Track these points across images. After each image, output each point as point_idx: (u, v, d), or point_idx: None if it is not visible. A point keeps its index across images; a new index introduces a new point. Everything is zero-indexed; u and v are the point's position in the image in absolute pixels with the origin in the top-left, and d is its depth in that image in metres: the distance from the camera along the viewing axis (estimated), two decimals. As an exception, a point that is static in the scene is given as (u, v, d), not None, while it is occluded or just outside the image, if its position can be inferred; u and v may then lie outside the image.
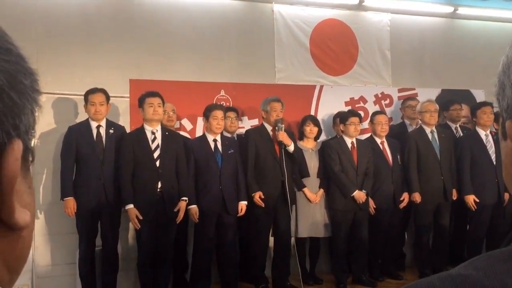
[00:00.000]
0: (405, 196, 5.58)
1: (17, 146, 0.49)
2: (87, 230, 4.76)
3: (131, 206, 4.63)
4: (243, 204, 5.02)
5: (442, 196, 5.57)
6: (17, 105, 0.48)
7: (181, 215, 4.76)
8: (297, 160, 5.25)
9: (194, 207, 4.87)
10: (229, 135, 5.42)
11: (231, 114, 5.50)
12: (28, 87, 0.50)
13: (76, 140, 4.77)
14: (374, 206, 5.49)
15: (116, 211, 4.81)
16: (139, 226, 4.62)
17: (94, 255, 4.84)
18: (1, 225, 0.49)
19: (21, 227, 0.50)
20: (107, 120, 4.91)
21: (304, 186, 5.36)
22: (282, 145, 5.10)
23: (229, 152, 5.01)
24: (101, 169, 4.73)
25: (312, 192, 5.38)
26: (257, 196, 5.04)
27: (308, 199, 5.37)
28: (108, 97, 4.89)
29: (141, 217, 4.62)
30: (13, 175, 0.48)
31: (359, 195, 5.31)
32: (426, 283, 0.56)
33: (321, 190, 5.41)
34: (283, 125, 5.12)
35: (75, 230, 4.81)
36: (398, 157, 5.65)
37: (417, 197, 5.53)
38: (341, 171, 5.35)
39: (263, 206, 5.04)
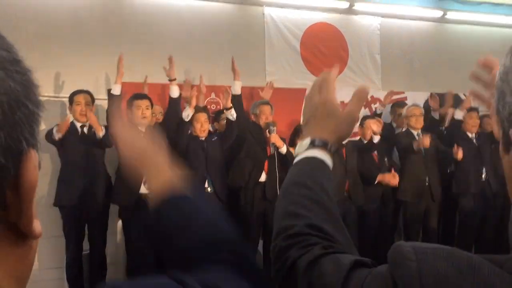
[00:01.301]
0: (384, 177, 5.54)
1: (34, 154, 0.49)
2: (74, 234, 4.72)
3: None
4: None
5: (429, 197, 5.61)
6: (32, 114, 0.49)
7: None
8: (289, 161, 5.25)
9: None
10: None
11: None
12: (37, 98, 0.51)
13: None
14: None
15: (103, 214, 4.79)
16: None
17: (82, 259, 4.81)
18: (17, 234, 0.49)
19: (36, 236, 0.51)
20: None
21: None
22: (274, 147, 5.12)
23: (213, 139, 5.02)
24: (86, 169, 4.70)
25: None
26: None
27: None
28: (93, 99, 4.89)
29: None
30: (33, 183, 0.49)
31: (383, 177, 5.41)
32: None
33: None
34: (275, 128, 5.13)
35: (62, 234, 4.77)
36: (386, 159, 5.68)
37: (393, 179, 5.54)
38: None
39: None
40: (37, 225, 0.50)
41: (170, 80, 5.00)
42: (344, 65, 6.56)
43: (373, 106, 6.56)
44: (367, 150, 5.54)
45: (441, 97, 6.42)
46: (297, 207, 0.85)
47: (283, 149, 5.14)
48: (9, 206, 0.48)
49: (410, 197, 5.60)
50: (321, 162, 0.93)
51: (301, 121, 1.06)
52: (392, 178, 5.46)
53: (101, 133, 4.72)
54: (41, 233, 0.51)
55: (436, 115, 5.99)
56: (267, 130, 5.15)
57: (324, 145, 0.94)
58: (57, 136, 4.59)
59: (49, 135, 4.63)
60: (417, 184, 5.59)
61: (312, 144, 0.94)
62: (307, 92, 1.13)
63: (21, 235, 0.50)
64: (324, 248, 0.79)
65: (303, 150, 0.95)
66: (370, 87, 0.89)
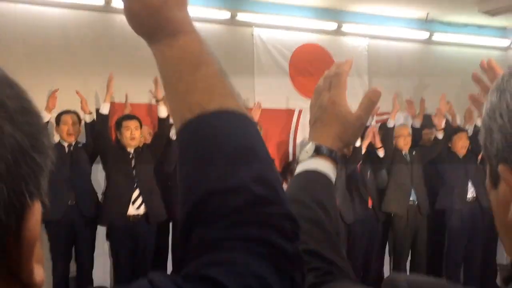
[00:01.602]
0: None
1: (38, 207, 0.49)
2: (61, 253, 4.65)
3: None
4: None
5: (416, 210, 5.66)
6: (39, 165, 0.48)
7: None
8: None
9: None
10: None
11: None
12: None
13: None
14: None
15: (91, 234, 4.75)
16: None
17: (69, 281, 4.74)
18: (18, 285, 0.48)
19: (38, 285, 0.49)
20: (76, 142, 4.87)
21: None
22: None
23: None
24: (73, 188, 4.66)
25: None
26: None
27: None
28: (79, 119, 4.89)
29: None
30: (34, 238, 0.48)
31: None
32: None
33: None
34: None
35: (48, 255, 4.69)
36: (369, 172, 5.71)
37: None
38: None
39: None
40: (38, 274, 0.49)
41: (157, 101, 5.00)
42: (332, 86, 6.61)
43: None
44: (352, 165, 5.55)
45: (429, 118, 6.48)
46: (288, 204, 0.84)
47: None
48: (8, 257, 0.47)
49: (396, 209, 5.63)
50: (323, 176, 0.90)
51: (309, 120, 1.00)
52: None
53: (88, 116, 4.85)
54: (43, 281, 0.50)
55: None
56: None
57: (329, 154, 0.91)
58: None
59: None
60: (403, 198, 5.62)
61: (317, 152, 0.91)
62: (305, 109, 1.10)
63: (23, 285, 0.49)
64: (317, 277, 0.77)
65: (307, 158, 0.92)
66: (380, 91, 0.87)
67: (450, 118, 6.49)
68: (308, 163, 0.91)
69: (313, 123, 0.97)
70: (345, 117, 0.95)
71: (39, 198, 0.49)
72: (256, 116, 5.64)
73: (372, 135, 5.54)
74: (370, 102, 0.97)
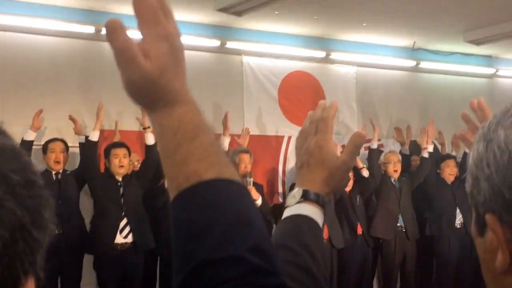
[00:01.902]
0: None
1: (31, 283, 0.48)
2: (46, 284, 4.54)
3: None
4: None
5: (404, 236, 5.65)
6: (37, 241, 0.48)
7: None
8: (264, 213, 5.23)
9: None
10: None
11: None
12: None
13: None
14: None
15: (77, 264, 4.67)
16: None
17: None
18: None
19: None
20: (64, 170, 4.83)
21: None
22: None
23: None
24: (60, 216, 4.60)
25: None
26: None
27: None
28: (67, 147, 4.87)
29: None
30: None
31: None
32: None
33: None
34: (252, 179, 5.10)
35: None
36: (358, 198, 5.72)
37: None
38: None
39: None
40: None
41: (144, 128, 5.00)
42: (321, 113, 6.66)
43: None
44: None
45: (416, 144, 6.53)
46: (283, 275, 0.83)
47: (259, 202, 5.11)
48: None
49: (383, 235, 5.62)
50: (311, 221, 0.90)
51: (295, 163, 1.00)
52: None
53: (82, 137, 4.88)
54: None
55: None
56: (244, 181, 5.10)
57: (316, 199, 0.91)
58: None
59: None
60: (391, 222, 5.63)
61: (304, 197, 0.92)
62: (293, 138, 1.10)
63: None
64: None
65: (294, 203, 0.92)
66: (366, 134, 0.86)
67: (439, 146, 6.56)
68: (295, 208, 0.92)
69: (299, 166, 0.98)
70: (331, 162, 0.95)
71: (33, 274, 0.48)
72: (245, 142, 5.65)
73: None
74: (355, 146, 0.97)
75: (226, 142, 5.21)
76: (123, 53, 0.69)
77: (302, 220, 0.90)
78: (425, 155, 5.77)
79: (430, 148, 5.83)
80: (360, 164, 5.72)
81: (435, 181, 5.84)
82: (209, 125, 0.71)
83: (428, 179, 5.84)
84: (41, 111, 4.86)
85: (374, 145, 5.91)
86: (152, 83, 0.69)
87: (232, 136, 5.91)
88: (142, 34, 0.68)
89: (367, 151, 6.03)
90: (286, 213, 0.93)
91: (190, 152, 0.66)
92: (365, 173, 5.72)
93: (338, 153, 0.97)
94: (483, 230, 0.60)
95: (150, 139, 4.91)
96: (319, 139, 0.97)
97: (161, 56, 0.69)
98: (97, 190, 4.77)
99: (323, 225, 0.93)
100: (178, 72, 0.73)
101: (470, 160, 0.62)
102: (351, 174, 5.71)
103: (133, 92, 0.73)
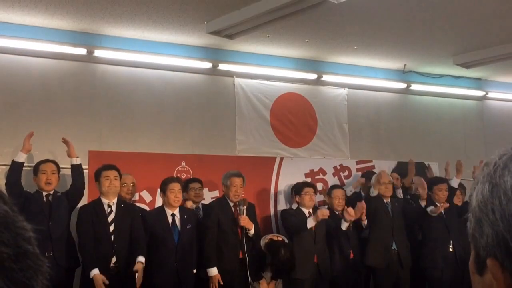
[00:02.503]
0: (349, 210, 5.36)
1: None
2: None
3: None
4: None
5: (397, 264, 5.59)
6: None
7: (139, 276, 4.49)
8: (255, 242, 5.19)
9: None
10: (194, 206, 5.34)
11: (195, 185, 5.46)
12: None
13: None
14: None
15: (68, 284, 4.62)
16: None
17: None
18: None
19: None
20: (55, 191, 4.80)
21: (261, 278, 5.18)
22: (244, 229, 5.02)
23: (188, 227, 4.89)
24: (50, 238, 4.55)
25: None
26: (215, 279, 4.86)
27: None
28: (59, 168, 4.84)
29: (107, 282, 4.38)
30: None
31: (321, 212, 5.16)
32: None
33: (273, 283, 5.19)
34: (245, 207, 5.01)
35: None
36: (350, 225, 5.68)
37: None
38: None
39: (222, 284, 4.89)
40: None
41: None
42: (312, 134, 6.68)
43: (342, 175, 6.63)
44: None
45: (404, 165, 6.55)
46: None
47: (251, 232, 5.05)
48: None
49: (378, 263, 5.57)
50: None
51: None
52: (323, 211, 5.22)
53: (75, 159, 4.84)
54: None
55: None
56: (237, 209, 5.04)
57: None
58: None
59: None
60: (384, 250, 5.58)
61: None
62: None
63: None
64: None
65: None
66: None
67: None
68: None
69: None
70: None
71: None
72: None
73: (361, 210, 5.39)
74: None
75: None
76: None
77: None
78: (423, 204, 5.66)
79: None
80: (364, 218, 5.54)
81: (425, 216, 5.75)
82: None
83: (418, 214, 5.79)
84: (32, 133, 4.83)
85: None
86: None
87: (224, 157, 5.89)
88: None
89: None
90: None
91: None
92: (364, 223, 5.59)
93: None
94: (483, 271, 0.60)
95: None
96: None
97: None
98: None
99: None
100: None
101: (474, 201, 0.61)
102: (341, 194, 5.70)
103: None
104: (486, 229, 0.58)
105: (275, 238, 5.39)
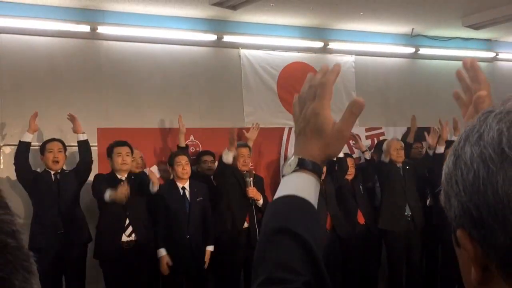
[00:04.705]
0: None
1: None
2: (51, 284, 4.53)
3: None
4: (208, 251, 4.92)
5: (411, 226, 5.62)
6: None
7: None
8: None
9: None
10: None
11: (208, 158, 5.56)
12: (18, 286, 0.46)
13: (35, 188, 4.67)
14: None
15: (81, 263, 4.67)
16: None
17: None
18: None
19: None
20: (63, 169, 4.84)
21: None
22: (252, 200, 5.10)
23: (198, 200, 4.93)
24: (61, 215, 4.61)
25: None
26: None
27: None
28: (65, 147, 4.87)
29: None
30: None
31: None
32: None
33: None
34: (251, 179, 5.11)
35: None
36: (360, 186, 5.75)
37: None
38: None
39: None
40: None
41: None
42: (321, 103, 6.63)
43: (352, 142, 6.59)
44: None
45: (418, 130, 6.50)
46: (291, 259, 0.80)
47: (260, 202, 5.12)
48: None
49: (391, 226, 5.60)
50: (305, 202, 0.87)
51: (294, 130, 0.96)
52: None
53: (81, 135, 4.87)
54: None
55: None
56: (245, 180, 5.12)
57: (312, 168, 0.90)
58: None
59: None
60: (398, 214, 5.60)
61: (300, 165, 0.90)
62: (295, 99, 1.07)
63: None
64: None
65: (290, 172, 0.91)
66: (363, 103, 0.82)
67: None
68: (291, 177, 0.91)
69: (297, 134, 0.97)
70: (327, 130, 0.92)
71: None
72: (253, 136, 5.62)
73: (354, 139, 5.78)
74: (352, 114, 0.93)
75: (230, 156, 5.10)
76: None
77: (297, 202, 0.88)
78: (440, 151, 5.65)
79: (441, 149, 5.70)
80: (363, 148, 5.90)
81: (440, 169, 5.77)
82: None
83: (434, 169, 5.77)
84: (36, 113, 4.84)
85: (440, 150, 5.67)
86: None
87: (239, 130, 5.85)
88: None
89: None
90: (282, 184, 0.92)
91: None
92: (367, 156, 5.82)
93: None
94: (458, 243, 0.61)
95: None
96: (316, 105, 0.93)
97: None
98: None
99: (320, 202, 0.94)
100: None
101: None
102: (351, 163, 5.69)
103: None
104: (453, 201, 0.59)
105: None
